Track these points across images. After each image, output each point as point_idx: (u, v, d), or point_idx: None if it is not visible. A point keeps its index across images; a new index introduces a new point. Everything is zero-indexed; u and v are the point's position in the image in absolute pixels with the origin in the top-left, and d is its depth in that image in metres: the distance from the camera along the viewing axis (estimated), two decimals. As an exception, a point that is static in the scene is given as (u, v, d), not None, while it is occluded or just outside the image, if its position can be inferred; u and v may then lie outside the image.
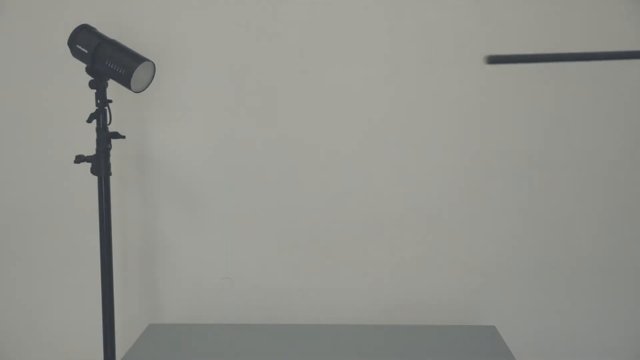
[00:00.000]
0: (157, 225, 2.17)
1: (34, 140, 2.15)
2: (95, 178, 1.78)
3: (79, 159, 1.75)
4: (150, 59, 1.74)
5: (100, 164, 1.76)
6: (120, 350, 1.91)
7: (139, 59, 1.71)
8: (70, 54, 1.75)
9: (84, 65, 1.74)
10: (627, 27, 2.01)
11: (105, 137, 1.76)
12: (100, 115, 1.75)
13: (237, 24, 2.06)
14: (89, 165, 1.77)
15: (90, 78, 1.74)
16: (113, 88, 1.76)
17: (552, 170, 2.08)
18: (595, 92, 2.03)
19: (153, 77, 1.77)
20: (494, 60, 1.07)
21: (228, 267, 2.18)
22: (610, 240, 2.12)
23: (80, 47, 1.72)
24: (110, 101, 1.76)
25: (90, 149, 1.77)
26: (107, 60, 1.70)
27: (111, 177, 1.80)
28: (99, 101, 1.75)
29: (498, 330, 1.97)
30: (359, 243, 2.15)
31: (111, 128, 1.78)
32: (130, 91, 1.73)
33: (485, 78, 2.04)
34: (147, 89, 1.77)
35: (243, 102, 2.08)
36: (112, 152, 1.78)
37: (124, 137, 1.80)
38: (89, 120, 1.75)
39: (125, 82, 1.70)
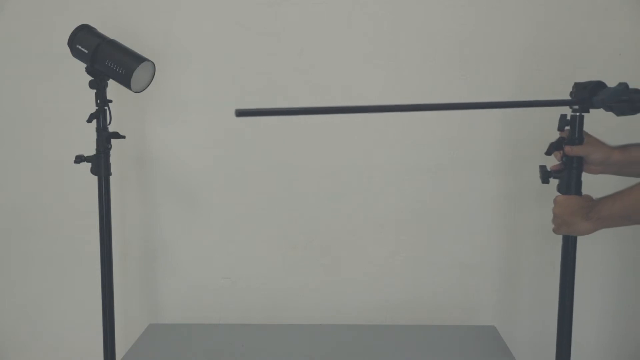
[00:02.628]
0: (157, 225, 2.17)
1: (34, 140, 2.15)
2: (95, 178, 1.78)
3: (79, 159, 1.75)
4: (150, 59, 1.74)
5: (100, 164, 1.76)
6: (120, 350, 1.91)
7: (139, 59, 1.71)
8: (70, 54, 1.75)
9: (83, 65, 1.74)
10: (627, 26, 2.02)
11: (105, 137, 1.76)
12: (100, 115, 1.75)
13: (237, 24, 2.06)
14: (89, 165, 1.77)
15: (90, 78, 1.74)
16: (113, 88, 1.76)
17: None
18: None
19: (153, 77, 1.77)
20: (241, 113, 1.26)
21: (228, 267, 2.18)
22: (610, 239, 2.12)
23: (80, 47, 1.72)
24: (110, 101, 1.76)
25: (90, 149, 1.77)
26: (107, 60, 1.70)
27: (111, 177, 1.80)
28: (99, 101, 1.75)
29: (498, 330, 1.97)
30: (359, 243, 2.15)
31: (111, 128, 1.78)
32: (130, 91, 1.73)
33: (484, 78, 2.05)
34: (147, 89, 1.77)
35: (243, 102, 2.08)
36: (112, 152, 1.78)
37: (124, 137, 1.81)
38: (89, 120, 1.75)
39: (125, 82, 1.70)
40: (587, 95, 1.38)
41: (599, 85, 1.39)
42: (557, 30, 2.02)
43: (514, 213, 2.11)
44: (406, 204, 2.13)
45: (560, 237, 1.50)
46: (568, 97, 1.45)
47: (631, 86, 1.39)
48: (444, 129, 2.08)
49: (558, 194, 1.47)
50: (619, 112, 1.38)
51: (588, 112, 1.41)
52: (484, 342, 1.88)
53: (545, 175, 1.47)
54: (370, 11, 2.05)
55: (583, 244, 2.09)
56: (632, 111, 1.37)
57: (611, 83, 1.39)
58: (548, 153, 1.46)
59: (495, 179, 2.11)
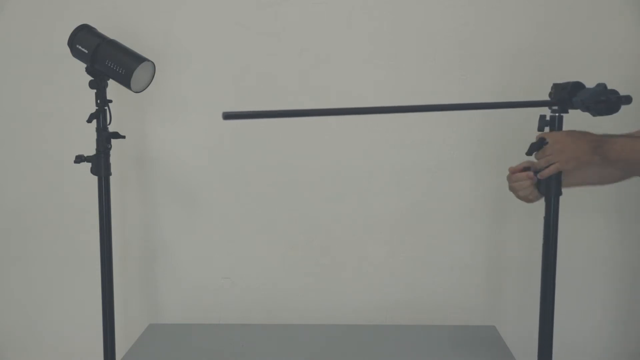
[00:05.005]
0: (157, 225, 2.17)
1: (34, 140, 2.15)
2: (95, 178, 1.78)
3: (79, 159, 1.75)
4: (150, 59, 1.74)
5: (100, 164, 1.76)
6: (120, 350, 1.91)
7: (139, 59, 1.71)
8: (70, 54, 1.75)
9: (84, 65, 1.74)
10: (627, 27, 2.02)
11: (105, 137, 1.76)
12: (100, 115, 1.75)
13: (237, 24, 2.06)
14: (89, 165, 1.77)
15: (90, 78, 1.74)
16: (113, 88, 1.76)
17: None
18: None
19: (153, 77, 1.77)
20: (229, 116, 1.29)
21: (228, 267, 2.18)
22: (617, 241, 2.12)
23: (80, 47, 1.72)
24: (110, 101, 1.76)
25: (90, 149, 1.77)
26: (107, 60, 1.70)
27: (111, 177, 1.80)
28: (99, 101, 1.75)
29: (498, 330, 1.97)
30: (359, 243, 2.15)
31: (111, 128, 1.78)
32: (130, 91, 1.73)
33: (484, 79, 2.05)
34: (147, 89, 1.77)
35: (243, 102, 2.08)
36: (112, 152, 1.78)
37: (124, 137, 1.81)
38: (89, 120, 1.75)
39: (125, 82, 1.70)
40: (567, 95, 1.40)
41: (578, 85, 1.41)
42: (557, 31, 2.03)
43: (514, 213, 2.11)
44: (406, 204, 2.13)
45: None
46: (547, 98, 1.47)
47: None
48: (444, 129, 2.08)
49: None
50: (596, 113, 1.39)
51: (567, 112, 1.42)
52: (484, 342, 1.88)
53: None
54: (370, 11, 2.05)
55: (580, 243, 2.11)
56: (608, 111, 1.38)
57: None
58: (529, 153, 1.46)
59: (496, 178, 2.10)
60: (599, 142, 1.38)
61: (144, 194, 2.16)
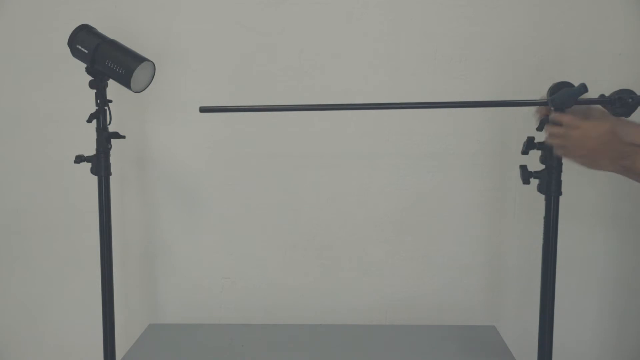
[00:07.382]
0: (157, 226, 2.17)
1: (34, 140, 2.15)
2: (95, 178, 1.78)
3: (79, 159, 1.75)
4: (150, 59, 1.74)
5: (100, 164, 1.76)
6: (120, 350, 1.91)
7: (139, 59, 1.71)
8: (70, 54, 1.75)
9: (84, 65, 1.74)
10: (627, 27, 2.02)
11: (105, 137, 1.76)
12: (100, 115, 1.75)
13: (237, 24, 2.06)
14: (89, 165, 1.77)
15: (90, 78, 1.74)
16: (113, 88, 1.76)
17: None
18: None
19: (153, 77, 1.77)
20: (205, 110, 1.47)
21: (228, 267, 2.18)
22: (616, 240, 2.12)
23: (80, 47, 1.72)
24: (110, 101, 1.76)
25: (90, 149, 1.77)
26: (107, 60, 1.70)
27: (111, 177, 1.80)
28: (99, 101, 1.75)
29: (498, 330, 1.98)
30: (359, 243, 2.15)
31: (111, 128, 1.78)
32: (130, 91, 1.73)
33: (484, 78, 2.05)
34: (147, 89, 1.77)
35: (243, 102, 2.08)
36: (112, 152, 1.78)
37: (124, 137, 1.81)
38: (89, 120, 1.75)
39: (125, 82, 1.70)
40: (548, 94, 1.42)
41: (563, 85, 1.43)
42: (557, 31, 2.02)
43: (514, 213, 2.11)
44: (406, 204, 2.13)
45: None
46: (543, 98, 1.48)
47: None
48: (443, 130, 2.08)
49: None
50: (613, 113, 1.40)
51: (563, 111, 1.41)
52: (484, 342, 1.88)
53: (526, 175, 1.47)
54: (370, 11, 2.05)
55: (582, 243, 2.11)
56: (626, 112, 1.39)
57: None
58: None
59: (496, 178, 2.10)
60: (628, 153, 1.24)
61: (144, 194, 2.17)
